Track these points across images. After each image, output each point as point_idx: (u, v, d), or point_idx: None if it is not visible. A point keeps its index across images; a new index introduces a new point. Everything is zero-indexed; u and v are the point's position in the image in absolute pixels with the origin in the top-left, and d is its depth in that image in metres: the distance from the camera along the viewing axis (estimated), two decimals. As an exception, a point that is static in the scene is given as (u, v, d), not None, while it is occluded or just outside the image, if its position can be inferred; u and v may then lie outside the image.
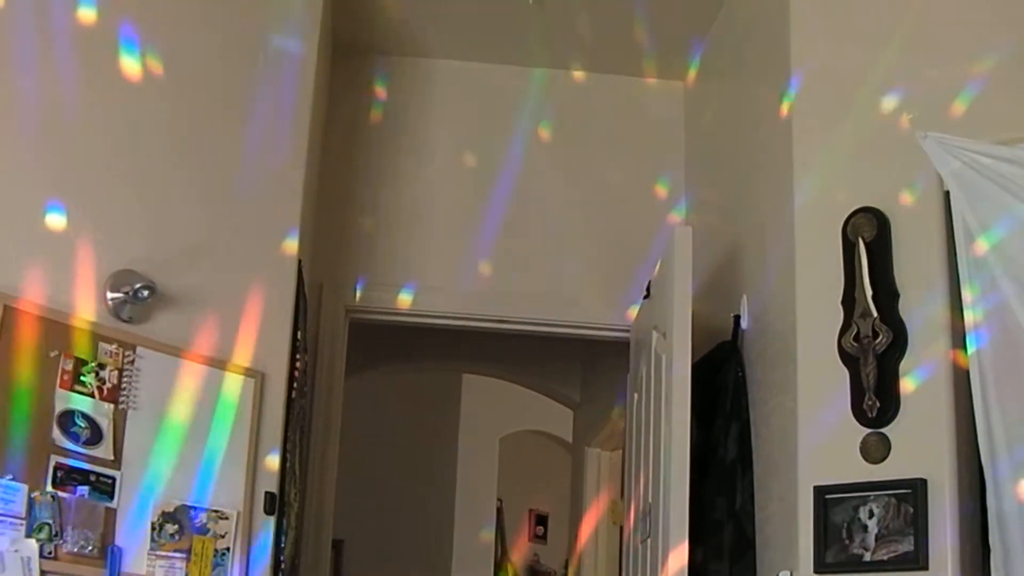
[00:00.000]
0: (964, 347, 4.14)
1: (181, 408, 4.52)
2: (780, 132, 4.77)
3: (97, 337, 4.33)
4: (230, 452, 4.61)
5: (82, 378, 4.27)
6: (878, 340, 4.27)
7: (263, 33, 5.12)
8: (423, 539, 10.23)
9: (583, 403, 8.59)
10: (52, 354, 4.21)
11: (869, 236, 4.37)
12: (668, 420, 4.76)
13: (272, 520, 4.71)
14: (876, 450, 4.22)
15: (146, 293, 4.39)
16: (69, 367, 4.24)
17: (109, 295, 4.39)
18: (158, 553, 4.36)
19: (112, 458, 4.30)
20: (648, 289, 5.42)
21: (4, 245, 4.17)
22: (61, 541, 4.11)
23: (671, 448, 4.69)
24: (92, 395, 4.28)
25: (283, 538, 4.80)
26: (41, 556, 4.04)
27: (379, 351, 7.57)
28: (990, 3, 4.49)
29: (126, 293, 4.39)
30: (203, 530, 4.48)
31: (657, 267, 5.25)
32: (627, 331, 5.92)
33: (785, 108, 4.75)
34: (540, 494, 11.52)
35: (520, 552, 11.48)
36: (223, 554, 4.51)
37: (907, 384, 4.23)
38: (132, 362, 4.41)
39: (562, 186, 6.23)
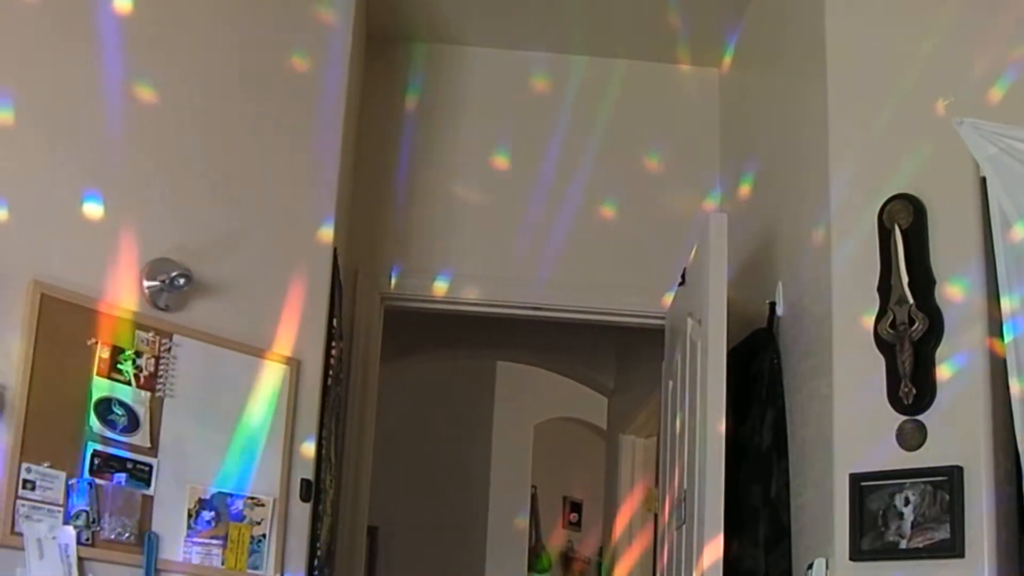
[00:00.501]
0: (1001, 334, 4.12)
1: (217, 395, 4.55)
2: (815, 118, 4.75)
3: (134, 325, 4.36)
4: (266, 439, 4.64)
5: (119, 366, 4.30)
6: (914, 327, 4.26)
7: (299, 21, 5.13)
8: (458, 526, 10.25)
9: (617, 390, 8.58)
10: (89, 342, 4.24)
11: (905, 223, 4.36)
12: (703, 407, 4.76)
13: (308, 507, 4.73)
14: (912, 437, 4.21)
15: (182, 281, 4.41)
16: (106, 355, 4.27)
17: (146, 283, 4.42)
18: (195, 540, 4.39)
19: (149, 445, 4.33)
20: (683, 276, 5.41)
21: (41, 234, 4.19)
22: (98, 528, 4.14)
23: (706, 435, 4.68)
24: (129, 383, 4.31)
25: (319, 525, 4.82)
26: (78, 543, 4.07)
27: (414, 338, 7.59)
28: (1027, -12, 4.47)
29: (162, 281, 4.41)
30: (239, 517, 4.50)
31: (692, 254, 5.24)
32: (662, 318, 5.92)
33: (820, 94, 4.73)
34: (574, 481, 11.53)
35: (554, 539, 11.49)
36: (259, 541, 4.53)
37: (943, 371, 4.21)
38: (168, 350, 4.44)
39: (597, 173, 6.21)
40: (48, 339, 4.12)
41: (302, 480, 4.71)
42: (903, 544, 4.13)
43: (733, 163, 6.06)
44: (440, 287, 6.03)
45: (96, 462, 4.17)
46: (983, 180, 4.25)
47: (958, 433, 4.13)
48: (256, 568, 4.51)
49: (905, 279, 4.31)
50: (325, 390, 4.90)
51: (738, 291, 5.19)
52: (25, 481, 3.99)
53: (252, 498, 4.55)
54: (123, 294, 4.36)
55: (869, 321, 4.36)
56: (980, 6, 4.49)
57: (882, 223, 4.40)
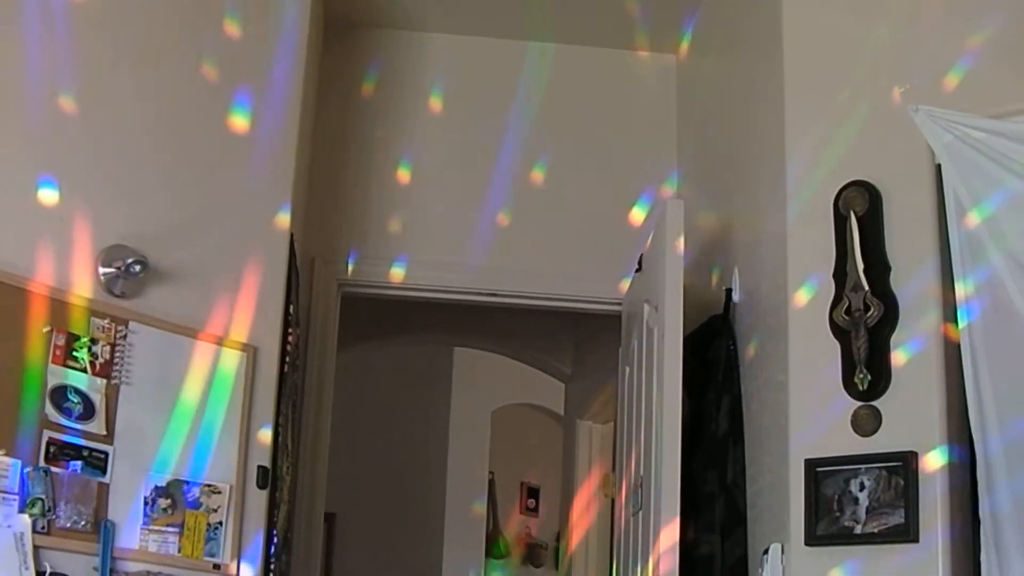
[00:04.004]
0: (955, 320, 4.15)
1: (173, 383, 4.53)
2: (772, 105, 4.77)
3: (89, 312, 4.34)
4: (223, 426, 4.62)
5: (75, 353, 4.27)
6: (869, 313, 4.28)
7: (255, 7, 5.11)
8: (415, 512, 10.24)
9: (575, 376, 8.59)
10: (45, 329, 4.21)
11: (861, 209, 4.37)
12: (660, 393, 4.77)
13: (265, 494, 4.72)
14: (867, 423, 4.23)
15: (138, 268, 4.39)
16: (62, 342, 4.24)
17: (101, 270, 4.40)
18: (151, 528, 4.37)
19: (105, 433, 4.30)
20: (640, 262, 5.42)
21: (-4, 220, 4.17)
22: (54, 516, 4.12)
23: (663, 421, 4.70)
24: (85, 370, 4.29)
25: (276, 512, 4.81)
26: (34, 531, 4.05)
27: (371, 325, 7.57)
28: (982, -24, 4.49)
29: (118, 268, 4.39)
30: (196, 504, 4.49)
31: (649, 240, 5.25)
32: (619, 304, 5.92)
33: (777, 81, 4.74)
34: (532, 467, 11.54)
35: (512, 525, 11.50)
36: (216, 528, 4.52)
37: (898, 357, 4.23)
38: (124, 337, 4.42)
39: (555, 159, 6.21)
40: (2, 326, 4.10)
41: (259, 467, 4.70)
42: (858, 529, 4.15)
43: (690, 150, 6.07)
44: (397, 273, 6.02)
45: (51, 450, 4.14)
46: (938, 167, 4.28)
47: (912, 419, 4.16)
48: (213, 555, 4.50)
49: (860, 266, 4.33)
50: (282, 377, 4.88)
51: (694, 277, 5.20)
52: (-21, 469, 3.98)
53: (208, 485, 4.53)
54: (78, 281, 4.34)
55: (824, 308, 4.38)
56: (936, -6, 4.51)
57: (838, 210, 4.42)
